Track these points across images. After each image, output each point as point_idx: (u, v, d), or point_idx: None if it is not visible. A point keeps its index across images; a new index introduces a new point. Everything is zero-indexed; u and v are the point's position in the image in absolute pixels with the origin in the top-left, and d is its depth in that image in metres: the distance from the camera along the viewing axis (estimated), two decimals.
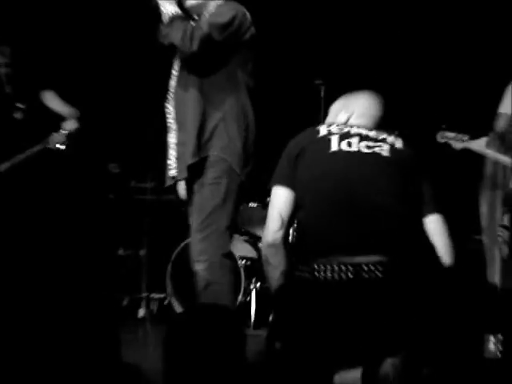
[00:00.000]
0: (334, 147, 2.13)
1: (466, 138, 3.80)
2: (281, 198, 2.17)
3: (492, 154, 3.84)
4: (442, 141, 3.85)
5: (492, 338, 3.41)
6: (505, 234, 3.75)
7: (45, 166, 4.07)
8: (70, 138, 3.80)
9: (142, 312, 4.23)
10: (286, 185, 2.16)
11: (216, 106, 2.77)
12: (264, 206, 4.36)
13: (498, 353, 3.24)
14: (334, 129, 2.19)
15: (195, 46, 2.65)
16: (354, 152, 2.12)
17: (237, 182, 2.70)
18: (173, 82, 2.87)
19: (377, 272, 1.95)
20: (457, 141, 3.80)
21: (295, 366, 1.93)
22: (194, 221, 2.70)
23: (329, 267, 1.95)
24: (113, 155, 4.48)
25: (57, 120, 3.94)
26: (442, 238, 2.20)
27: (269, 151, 3.19)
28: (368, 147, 2.14)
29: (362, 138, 2.15)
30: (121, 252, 3.27)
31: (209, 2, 2.82)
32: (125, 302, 4.06)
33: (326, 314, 1.92)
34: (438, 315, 1.96)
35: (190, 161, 2.67)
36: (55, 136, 3.80)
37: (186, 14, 2.81)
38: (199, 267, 2.64)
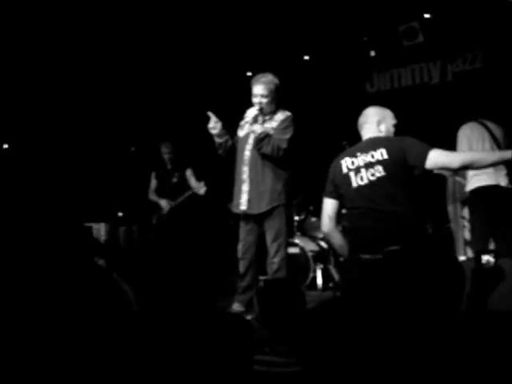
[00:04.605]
0: (354, 184, 2.57)
1: None
2: (327, 206, 2.73)
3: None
4: None
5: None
6: (463, 221, 4.73)
7: (191, 205, 5.39)
8: (205, 186, 5.15)
9: None
10: (331, 197, 2.72)
11: (276, 174, 3.56)
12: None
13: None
14: (349, 163, 2.59)
15: (280, 155, 3.46)
16: (366, 184, 2.55)
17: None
18: (247, 152, 3.55)
19: (394, 255, 2.37)
20: None
21: (353, 305, 2.37)
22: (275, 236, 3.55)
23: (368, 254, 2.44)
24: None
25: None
26: (446, 154, 2.45)
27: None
28: (372, 175, 2.51)
29: (367, 167, 2.52)
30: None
31: (277, 111, 3.57)
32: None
33: (368, 277, 2.44)
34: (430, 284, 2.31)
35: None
36: (197, 187, 5.22)
37: (261, 111, 3.47)
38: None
